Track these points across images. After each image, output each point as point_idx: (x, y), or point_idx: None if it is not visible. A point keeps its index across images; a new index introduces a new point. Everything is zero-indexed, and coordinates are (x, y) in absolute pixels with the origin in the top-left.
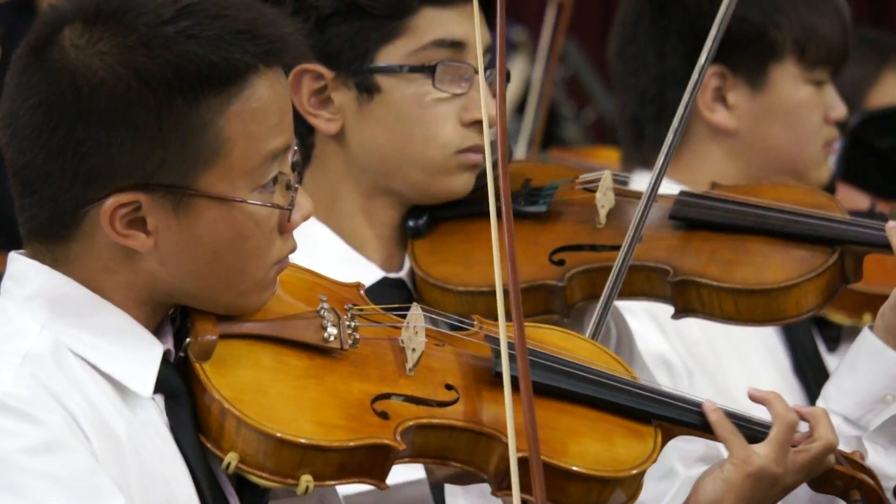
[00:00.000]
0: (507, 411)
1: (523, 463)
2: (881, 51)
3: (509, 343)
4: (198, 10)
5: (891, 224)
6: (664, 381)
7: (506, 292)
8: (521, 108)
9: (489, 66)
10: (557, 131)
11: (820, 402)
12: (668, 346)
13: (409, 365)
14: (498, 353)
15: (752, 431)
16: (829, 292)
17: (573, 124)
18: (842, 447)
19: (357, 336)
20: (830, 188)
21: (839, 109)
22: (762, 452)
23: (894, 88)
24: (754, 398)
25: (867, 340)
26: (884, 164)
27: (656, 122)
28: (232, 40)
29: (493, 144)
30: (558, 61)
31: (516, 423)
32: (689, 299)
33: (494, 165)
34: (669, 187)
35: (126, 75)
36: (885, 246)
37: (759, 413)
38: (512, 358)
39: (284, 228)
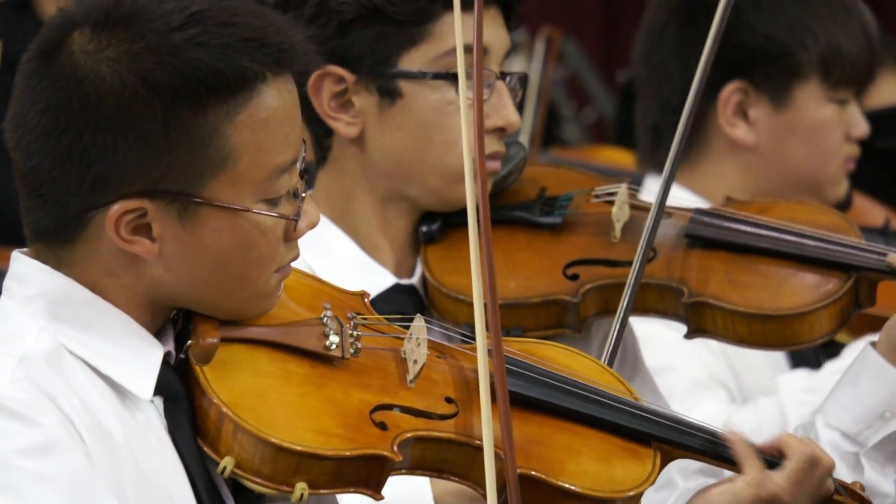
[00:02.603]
0: (483, 419)
1: (520, 480)
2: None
3: (508, 359)
4: (207, 17)
5: (893, 255)
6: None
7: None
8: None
9: (507, 71)
10: (557, 131)
11: (818, 417)
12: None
13: (410, 376)
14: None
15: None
16: (842, 318)
17: (573, 124)
18: (839, 463)
19: (359, 345)
20: (847, 201)
21: (861, 128)
22: (779, 482)
23: (891, 89)
24: (730, 437)
25: (869, 357)
26: (884, 165)
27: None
28: (240, 48)
29: (507, 149)
30: (557, 62)
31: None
32: (702, 321)
33: (504, 178)
34: (685, 199)
35: (133, 82)
36: None
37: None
38: (512, 373)
39: (290, 237)
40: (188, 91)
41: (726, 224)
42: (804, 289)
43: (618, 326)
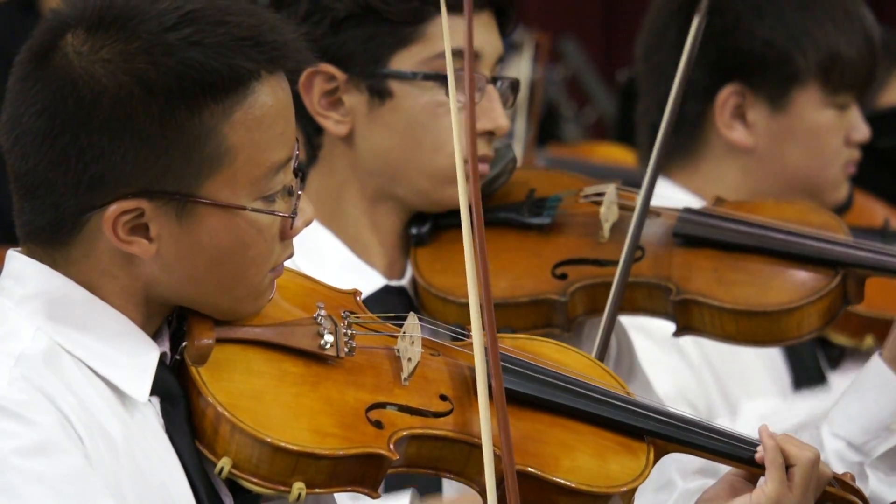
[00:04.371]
0: (481, 418)
1: (517, 476)
2: (892, 53)
3: (501, 356)
4: (200, 16)
5: None
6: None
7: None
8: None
9: (499, 76)
10: (557, 131)
11: (824, 426)
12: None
13: (405, 375)
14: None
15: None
16: (830, 314)
17: (573, 124)
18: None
19: (353, 344)
20: (848, 202)
21: (862, 132)
22: (796, 493)
23: None
24: (767, 443)
25: (875, 368)
26: (884, 165)
27: (674, 132)
28: (234, 47)
29: (496, 152)
30: (548, 65)
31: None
32: (690, 318)
33: (493, 180)
34: (682, 199)
35: (129, 83)
36: (887, 270)
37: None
38: (505, 370)
39: (286, 235)
40: (184, 90)
41: (714, 222)
42: (791, 285)
43: (605, 324)
